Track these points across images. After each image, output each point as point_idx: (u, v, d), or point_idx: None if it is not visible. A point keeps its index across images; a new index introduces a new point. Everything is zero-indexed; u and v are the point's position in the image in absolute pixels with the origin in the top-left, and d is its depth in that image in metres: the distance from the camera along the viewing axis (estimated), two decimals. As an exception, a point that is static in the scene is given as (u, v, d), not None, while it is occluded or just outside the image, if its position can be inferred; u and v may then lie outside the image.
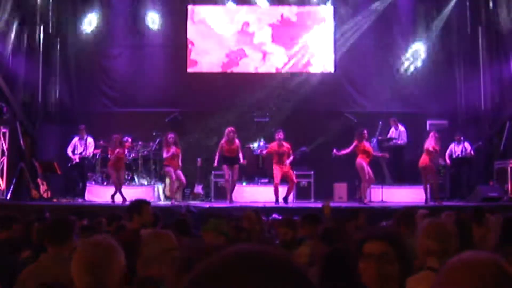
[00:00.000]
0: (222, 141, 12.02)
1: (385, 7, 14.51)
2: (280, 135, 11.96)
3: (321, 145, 13.85)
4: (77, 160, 12.64)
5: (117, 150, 11.81)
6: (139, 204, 5.25)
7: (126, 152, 12.32)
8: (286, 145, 11.99)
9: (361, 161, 11.67)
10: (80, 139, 12.74)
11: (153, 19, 14.72)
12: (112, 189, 11.96)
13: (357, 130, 12.10)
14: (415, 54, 14.61)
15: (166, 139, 11.93)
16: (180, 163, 11.96)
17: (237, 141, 12.05)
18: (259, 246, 0.95)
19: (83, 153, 12.64)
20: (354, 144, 11.75)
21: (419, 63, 14.60)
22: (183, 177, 11.99)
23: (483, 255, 1.29)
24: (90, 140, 12.78)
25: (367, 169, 11.72)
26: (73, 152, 12.72)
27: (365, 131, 11.95)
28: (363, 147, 11.74)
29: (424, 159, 11.70)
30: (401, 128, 13.53)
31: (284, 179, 12.05)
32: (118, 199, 11.70)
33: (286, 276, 0.90)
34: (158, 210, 9.31)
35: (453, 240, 3.02)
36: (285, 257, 0.93)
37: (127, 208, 5.35)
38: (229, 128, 12.09)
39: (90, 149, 12.79)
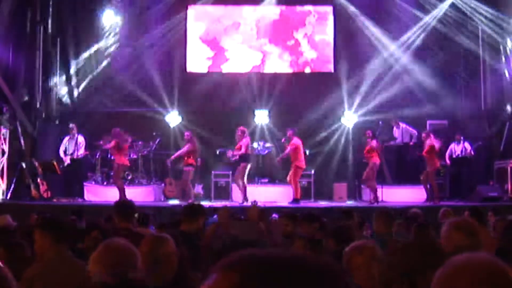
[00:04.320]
0: (248, 139, 12.17)
1: (385, 7, 14.52)
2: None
3: (321, 145, 13.87)
4: (69, 161, 12.56)
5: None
6: (132, 204, 5.22)
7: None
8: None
9: (376, 160, 11.85)
10: (71, 139, 12.58)
11: (152, 19, 14.73)
12: (114, 189, 11.90)
13: (370, 129, 12.27)
14: (415, 54, 14.59)
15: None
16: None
17: (243, 140, 11.95)
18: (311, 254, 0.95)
19: (74, 155, 12.50)
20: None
21: (419, 63, 14.59)
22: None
23: (481, 256, 1.28)
24: (81, 139, 12.61)
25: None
26: (65, 152, 12.65)
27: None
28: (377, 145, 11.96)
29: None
30: (403, 125, 13.56)
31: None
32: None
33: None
34: (156, 210, 9.33)
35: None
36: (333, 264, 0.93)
37: (128, 208, 5.09)
38: (242, 127, 12.18)
39: (81, 150, 12.59)
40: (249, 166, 11.98)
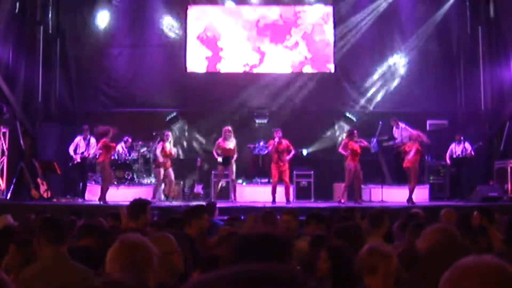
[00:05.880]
0: (219, 140, 12.24)
1: (385, 7, 14.52)
2: (278, 133, 11.95)
3: (321, 145, 13.87)
4: (79, 159, 12.61)
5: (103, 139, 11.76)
6: (144, 204, 5.24)
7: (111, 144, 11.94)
8: (285, 142, 11.97)
9: (348, 162, 11.64)
10: (83, 139, 12.68)
11: (153, 19, 14.73)
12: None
13: (349, 129, 12.21)
14: (415, 54, 14.60)
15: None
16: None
17: (234, 141, 12.08)
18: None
19: (85, 153, 12.60)
20: (344, 142, 11.79)
21: (419, 63, 14.59)
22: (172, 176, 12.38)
23: (487, 259, 1.27)
24: (93, 140, 12.71)
25: (353, 170, 11.62)
26: (75, 151, 12.69)
27: (355, 131, 11.94)
28: (351, 146, 11.67)
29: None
30: (402, 125, 13.55)
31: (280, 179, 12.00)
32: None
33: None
34: (158, 210, 9.32)
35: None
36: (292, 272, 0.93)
37: (132, 207, 5.17)
38: (225, 128, 12.17)
39: (92, 150, 12.73)
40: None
